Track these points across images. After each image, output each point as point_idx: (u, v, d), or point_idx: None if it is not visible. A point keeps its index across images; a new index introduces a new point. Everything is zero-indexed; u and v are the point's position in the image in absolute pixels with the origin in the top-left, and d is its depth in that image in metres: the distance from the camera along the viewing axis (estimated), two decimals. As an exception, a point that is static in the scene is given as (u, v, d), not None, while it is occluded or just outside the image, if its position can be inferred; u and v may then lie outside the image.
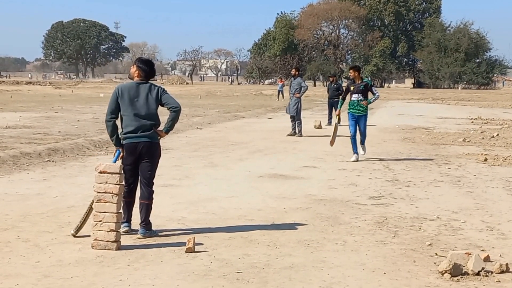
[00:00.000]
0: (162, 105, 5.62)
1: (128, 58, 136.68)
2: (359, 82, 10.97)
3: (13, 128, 15.58)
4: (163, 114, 5.34)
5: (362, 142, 11.28)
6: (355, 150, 11.02)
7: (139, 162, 5.52)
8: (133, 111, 5.46)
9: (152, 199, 5.60)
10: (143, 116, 5.46)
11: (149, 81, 5.66)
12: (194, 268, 4.62)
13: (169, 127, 5.64)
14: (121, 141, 5.51)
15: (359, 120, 11.00)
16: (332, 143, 11.85)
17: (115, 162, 5.41)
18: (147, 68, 5.69)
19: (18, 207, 6.60)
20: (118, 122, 5.55)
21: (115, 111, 5.51)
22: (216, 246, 5.25)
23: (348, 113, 11.13)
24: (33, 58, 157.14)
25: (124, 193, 5.32)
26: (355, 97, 10.96)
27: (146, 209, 5.53)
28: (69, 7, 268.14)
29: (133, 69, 5.71)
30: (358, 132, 11.17)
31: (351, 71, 11.10)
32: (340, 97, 11.84)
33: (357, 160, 10.87)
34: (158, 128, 5.58)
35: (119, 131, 5.53)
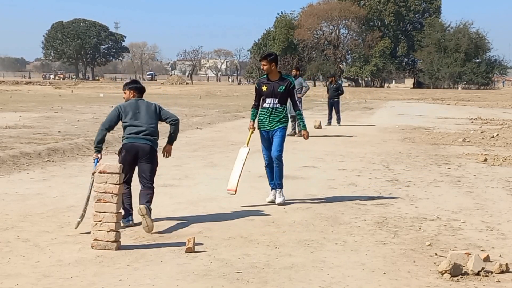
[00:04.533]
0: (162, 120, 6.17)
1: (128, 58, 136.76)
2: (277, 79, 7.13)
3: (13, 128, 15.59)
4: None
5: (276, 183, 7.14)
6: (272, 185, 7.22)
7: (138, 162, 5.96)
8: (136, 121, 6.00)
9: (153, 190, 6.04)
10: (145, 125, 5.99)
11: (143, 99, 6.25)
12: (194, 268, 4.62)
13: (173, 139, 6.30)
14: (124, 140, 6.04)
15: (272, 135, 7.15)
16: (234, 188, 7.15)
17: (95, 167, 5.58)
18: (137, 84, 6.38)
19: (18, 207, 6.60)
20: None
21: (112, 125, 6.09)
22: (216, 246, 5.25)
23: (259, 129, 7.28)
24: (33, 58, 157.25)
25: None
26: (268, 103, 7.08)
27: (150, 196, 5.95)
28: (69, 7, 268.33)
29: (127, 93, 6.27)
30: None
31: (263, 62, 7.05)
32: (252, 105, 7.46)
33: (277, 202, 7.09)
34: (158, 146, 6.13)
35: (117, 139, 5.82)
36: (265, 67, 7.06)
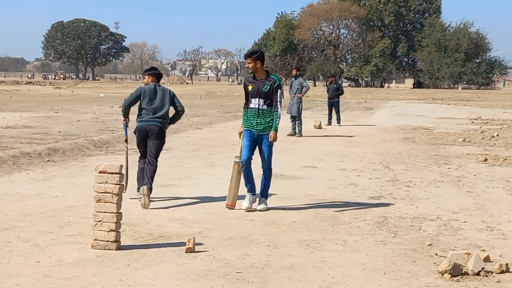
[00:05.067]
0: (173, 105, 7.27)
1: (128, 58, 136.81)
2: (262, 78, 6.78)
3: (13, 128, 15.59)
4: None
5: (263, 192, 6.88)
6: (249, 188, 6.86)
7: (148, 140, 7.05)
8: (151, 106, 7.09)
9: (156, 166, 7.04)
10: (159, 111, 7.09)
11: (161, 84, 7.34)
12: (194, 268, 4.62)
13: (172, 121, 7.43)
14: (138, 121, 7.15)
15: (259, 141, 6.85)
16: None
17: (126, 134, 7.34)
18: (156, 71, 7.54)
19: (18, 207, 6.60)
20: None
21: (133, 103, 7.22)
22: (216, 246, 5.25)
23: (244, 129, 6.93)
24: (33, 58, 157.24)
25: (139, 163, 7.14)
26: (254, 103, 6.79)
27: (152, 171, 6.96)
28: (69, 7, 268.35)
29: (146, 78, 7.37)
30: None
31: (247, 60, 6.76)
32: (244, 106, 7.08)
33: (251, 209, 6.75)
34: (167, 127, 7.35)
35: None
36: (250, 66, 6.74)
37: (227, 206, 6.75)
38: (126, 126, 7.30)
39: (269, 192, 7.08)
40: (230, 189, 6.76)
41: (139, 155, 7.24)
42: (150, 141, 7.02)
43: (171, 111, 7.28)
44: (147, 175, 6.88)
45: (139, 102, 7.17)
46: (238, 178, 6.80)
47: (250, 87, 6.79)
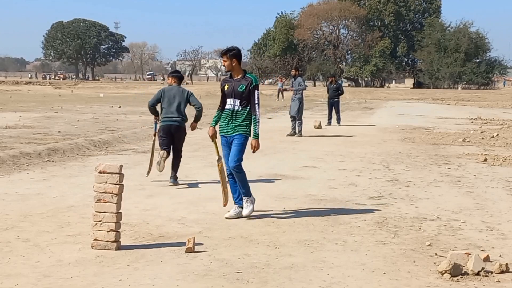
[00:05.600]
0: (190, 104, 8.44)
1: (128, 58, 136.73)
2: (239, 78, 6.41)
3: (13, 128, 15.59)
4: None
5: (241, 191, 6.48)
6: (237, 200, 6.51)
7: (172, 137, 8.38)
8: (170, 106, 8.33)
9: (181, 156, 8.55)
10: (177, 110, 8.33)
11: (181, 86, 8.68)
12: (194, 268, 4.62)
13: (197, 119, 8.63)
14: (160, 122, 8.42)
15: (232, 142, 6.41)
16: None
17: (155, 130, 8.82)
18: (178, 74, 8.92)
19: (18, 207, 6.60)
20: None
21: (155, 103, 8.53)
22: (216, 246, 5.25)
23: (220, 135, 6.54)
24: (33, 58, 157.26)
25: (166, 155, 8.32)
26: (229, 104, 6.38)
27: (177, 165, 8.41)
28: (69, 7, 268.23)
29: (170, 79, 8.74)
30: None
31: (223, 57, 6.40)
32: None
33: (243, 214, 6.42)
34: (187, 122, 8.56)
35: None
36: (225, 64, 6.35)
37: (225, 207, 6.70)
38: (155, 123, 8.82)
39: (270, 191, 7.04)
40: (224, 191, 6.65)
41: (135, 154, 7.62)
42: (174, 137, 8.45)
43: (191, 109, 8.40)
44: (173, 165, 8.42)
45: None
46: (224, 177, 6.61)
47: (226, 87, 6.40)
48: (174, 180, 8.27)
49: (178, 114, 8.31)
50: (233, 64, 6.32)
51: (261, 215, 6.54)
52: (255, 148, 6.29)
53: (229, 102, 6.34)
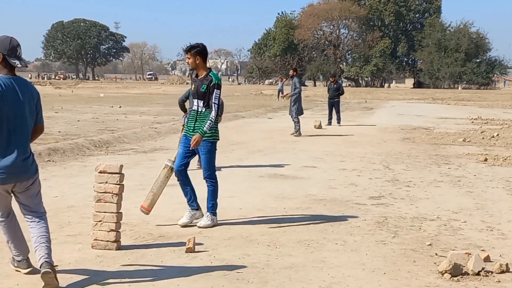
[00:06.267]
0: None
1: (128, 58, 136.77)
2: (203, 77, 6.03)
3: (13, 128, 15.57)
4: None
5: (207, 206, 6.08)
6: (190, 202, 6.14)
7: None
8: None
9: None
10: None
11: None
12: (194, 268, 4.62)
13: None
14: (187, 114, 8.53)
15: (199, 149, 6.06)
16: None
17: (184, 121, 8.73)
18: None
19: (17, 207, 6.58)
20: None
21: (184, 100, 9.56)
22: (216, 246, 5.25)
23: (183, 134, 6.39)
24: (33, 58, 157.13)
25: None
26: (194, 105, 6.10)
27: None
28: (69, 7, 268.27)
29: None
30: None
31: (187, 54, 6.04)
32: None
33: (188, 224, 6.00)
34: None
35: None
36: (189, 61, 6.00)
37: (141, 209, 6.00)
38: (184, 117, 9.35)
39: (270, 191, 7.03)
40: (151, 191, 6.01)
41: (135, 154, 7.55)
42: None
43: None
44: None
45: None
46: (164, 183, 6.03)
47: (193, 87, 6.14)
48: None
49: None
50: (197, 62, 5.94)
51: (261, 215, 6.53)
52: (194, 142, 5.82)
53: (194, 103, 6.05)
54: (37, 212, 4.34)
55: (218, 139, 6.13)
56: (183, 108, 9.62)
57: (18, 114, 4.11)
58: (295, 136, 15.58)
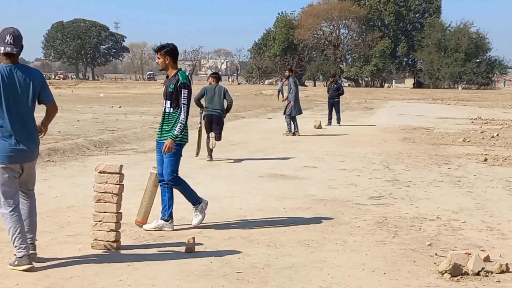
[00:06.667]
0: (225, 98, 10.70)
1: (128, 58, 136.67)
2: (171, 76, 5.87)
3: (13, 128, 15.56)
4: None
5: (190, 201, 6.05)
6: (163, 210, 5.91)
7: (213, 124, 10.70)
8: (212, 100, 10.62)
9: (221, 137, 10.89)
10: (217, 103, 10.66)
11: (218, 84, 10.88)
12: (194, 268, 4.62)
13: (227, 111, 10.96)
14: (204, 112, 10.73)
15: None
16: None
17: (201, 118, 10.88)
18: (217, 75, 11.31)
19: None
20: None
21: (200, 98, 10.73)
22: (216, 246, 5.25)
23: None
24: (33, 58, 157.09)
25: (214, 135, 10.62)
26: (164, 106, 5.90)
27: (219, 137, 10.78)
28: (69, 7, 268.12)
29: (210, 79, 11.03)
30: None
31: (157, 54, 5.86)
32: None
33: (155, 229, 5.79)
34: (224, 112, 10.89)
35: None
36: (159, 61, 5.84)
37: (136, 223, 5.86)
38: (200, 113, 10.85)
39: (270, 191, 7.01)
40: (142, 204, 5.85)
41: (135, 154, 7.55)
42: (215, 124, 10.70)
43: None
44: (216, 140, 10.65)
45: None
46: (153, 192, 5.89)
47: (163, 87, 5.97)
48: (211, 157, 10.76)
49: (218, 107, 10.64)
50: (167, 62, 5.77)
51: (261, 215, 6.54)
52: (166, 148, 5.65)
53: (163, 104, 5.85)
54: (32, 191, 4.92)
55: (187, 141, 5.90)
56: (199, 105, 10.77)
57: (18, 99, 4.49)
58: (285, 133, 15.76)
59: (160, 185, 5.90)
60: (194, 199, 5.99)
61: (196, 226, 5.89)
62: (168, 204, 5.87)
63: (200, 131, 10.68)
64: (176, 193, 7.62)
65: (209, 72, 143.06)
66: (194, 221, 5.96)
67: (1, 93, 4.41)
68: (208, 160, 10.59)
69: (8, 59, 4.46)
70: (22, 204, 4.74)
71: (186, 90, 5.72)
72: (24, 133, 4.53)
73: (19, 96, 4.51)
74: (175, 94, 5.71)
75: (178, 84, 5.71)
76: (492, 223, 6.35)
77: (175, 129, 5.65)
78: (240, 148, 12.84)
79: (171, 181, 5.79)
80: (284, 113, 16.03)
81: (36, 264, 4.61)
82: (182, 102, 5.68)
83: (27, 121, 4.59)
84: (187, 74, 5.87)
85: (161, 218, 5.82)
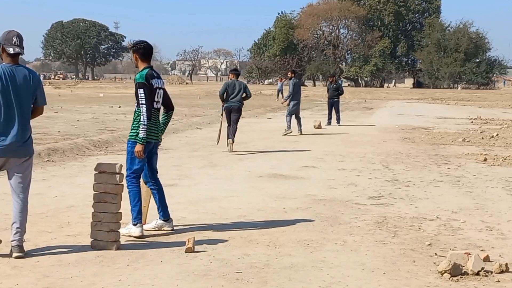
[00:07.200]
0: (244, 92, 12.08)
1: (127, 58, 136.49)
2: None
3: (12, 128, 15.56)
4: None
5: (166, 213, 5.79)
6: (159, 212, 5.81)
7: (231, 114, 12.06)
8: (232, 93, 11.96)
9: (236, 128, 12.19)
10: (237, 96, 11.98)
11: (238, 79, 12.31)
12: (194, 268, 4.62)
13: (245, 99, 12.31)
14: (225, 104, 12.12)
15: (153, 151, 5.76)
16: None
17: (222, 110, 12.38)
18: (237, 71, 12.65)
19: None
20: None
21: (224, 92, 12.07)
22: (216, 246, 5.25)
23: None
24: (32, 58, 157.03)
25: (227, 127, 12.16)
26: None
27: (234, 131, 12.13)
28: (68, 7, 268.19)
29: (231, 75, 12.39)
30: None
31: (134, 55, 5.79)
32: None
33: (141, 235, 5.48)
34: (243, 105, 12.34)
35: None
36: (133, 59, 5.84)
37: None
38: (223, 106, 12.24)
39: (269, 191, 7.00)
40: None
41: None
42: (233, 115, 12.06)
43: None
44: (231, 133, 12.00)
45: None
46: (148, 193, 5.87)
47: None
48: (232, 146, 12.02)
49: (237, 99, 12.00)
50: (136, 61, 5.74)
51: (261, 215, 6.54)
52: (136, 154, 5.44)
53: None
54: (23, 193, 4.90)
55: (148, 141, 5.52)
56: (223, 99, 12.16)
57: (17, 98, 4.69)
58: (283, 135, 15.88)
59: (149, 187, 5.83)
60: (136, 216, 5.45)
61: (122, 234, 5.28)
62: (159, 205, 5.78)
63: (221, 122, 12.46)
64: (176, 193, 7.63)
65: (209, 72, 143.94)
66: (123, 230, 5.38)
67: (2, 91, 4.64)
68: (230, 142, 12.02)
69: (11, 59, 4.74)
70: (15, 202, 4.94)
71: (142, 90, 5.53)
72: (18, 130, 4.70)
73: (19, 95, 4.71)
74: (136, 92, 5.63)
75: (135, 84, 5.62)
76: (491, 223, 6.36)
77: (139, 131, 5.47)
78: (239, 148, 12.84)
79: (126, 181, 5.46)
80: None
81: (35, 264, 4.61)
82: (140, 102, 5.52)
83: (23, 119, 4.76)
84: (144, 73, 5.56)
85: (159, 218, 5.80)
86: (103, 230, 5.01)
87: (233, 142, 11.95)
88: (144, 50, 5.71)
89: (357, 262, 4.86)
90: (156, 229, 5.75)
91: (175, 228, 5.85)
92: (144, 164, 5.64)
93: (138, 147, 5.45)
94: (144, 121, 5.48)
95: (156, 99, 5.67)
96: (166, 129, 6.63)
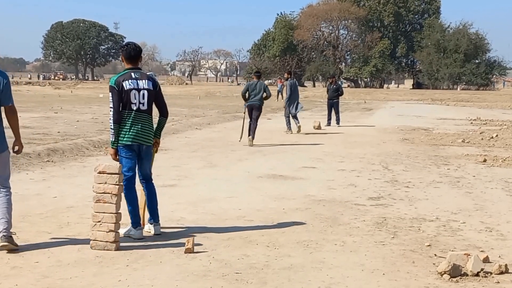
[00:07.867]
0: (265, 91, 13.24)
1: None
2: None
3: (12, 128, 15.56)
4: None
5: (152, 217, 5.66)
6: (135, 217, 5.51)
7: (253, 111, 13.29)
8: (254, 93, 13.18)
9: (257, 125, 13.41)
10: (258, 95, 13.20)
11: (260, 80, 13.68)
12: (193, 268, 4.62)
13: (266, 98, 13.57)
14: (248, 103, 13.32)
15: (141, 155, 5.83)
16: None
17: (245, 107, 13.56)
18: (258, 73, 14.17)
19: (17, 208, 6.57)
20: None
21: (245, 92, 13.31)
22: (215, 246, 5.25)
23: None
24: (32, 58, 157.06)
25: (249, 124, 13.40)
26: None
27: (254, 128, 13.29)
28: (68, 7, 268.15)
29: (254, 77, 13.71)
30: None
31: (121, 56, 5.78)
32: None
33: (156, 232, 5.62)
34: (263, 104, 13.56)
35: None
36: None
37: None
38: (245, 104, 13.42)
39: (269, 192, 6.98)
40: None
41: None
42: (254, 112, 13.24)
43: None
44: (252, 130, 13.20)
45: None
46: (143, 194, 5.82)
47: None
48: (251, 142, 13.16)
49: (258, 98, 13.18)
50: (123, 61, 5.71)
51: (261, 215, 6.54)
52: (112, 158, 5.64)
53: None
54: (3, 185, 5.23)
55: (125, 143, 5.71)
56: (245, 98, 13.34)
57: None
58: (285, 132, 15.97)
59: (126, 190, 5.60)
60: (133, 220, 5.47)
61: (121, 234, 5.30)
62: (148, 209, 5.68)
63: (244, 118, 13.71)
64: (175, 193, 7.64)
65: (209, 72, 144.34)
66: (122, 230, 5.37)
67: None
68: (250, 138, 13.18)
69: None
70: None
71: (111, 94, 5.56)
72: None
73: None
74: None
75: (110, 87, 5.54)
76: (491, 224, 6.36)
77: (111, 136, 5.56)
78: (239, 148, 12.85)
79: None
80: (290, 113, 16.46)
81: (35, 265, 4.61)
82: (109, 106, 5.55)
83: None
84: (116, 77, 5.55)
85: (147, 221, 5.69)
86: (103, 230, 5.01)
87: (253, 139, 13.14)
88: (126, 52, 5.59)
89: (357, 262, 4.86)
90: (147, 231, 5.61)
91: (175, 228, 5.85)
92: (132, 168, 5.59)
93: (110, 151, 5.54)
94: (111, 125, 5.51)
95: (133, 101, 5.55)
96: (166, 130, 6.60)
